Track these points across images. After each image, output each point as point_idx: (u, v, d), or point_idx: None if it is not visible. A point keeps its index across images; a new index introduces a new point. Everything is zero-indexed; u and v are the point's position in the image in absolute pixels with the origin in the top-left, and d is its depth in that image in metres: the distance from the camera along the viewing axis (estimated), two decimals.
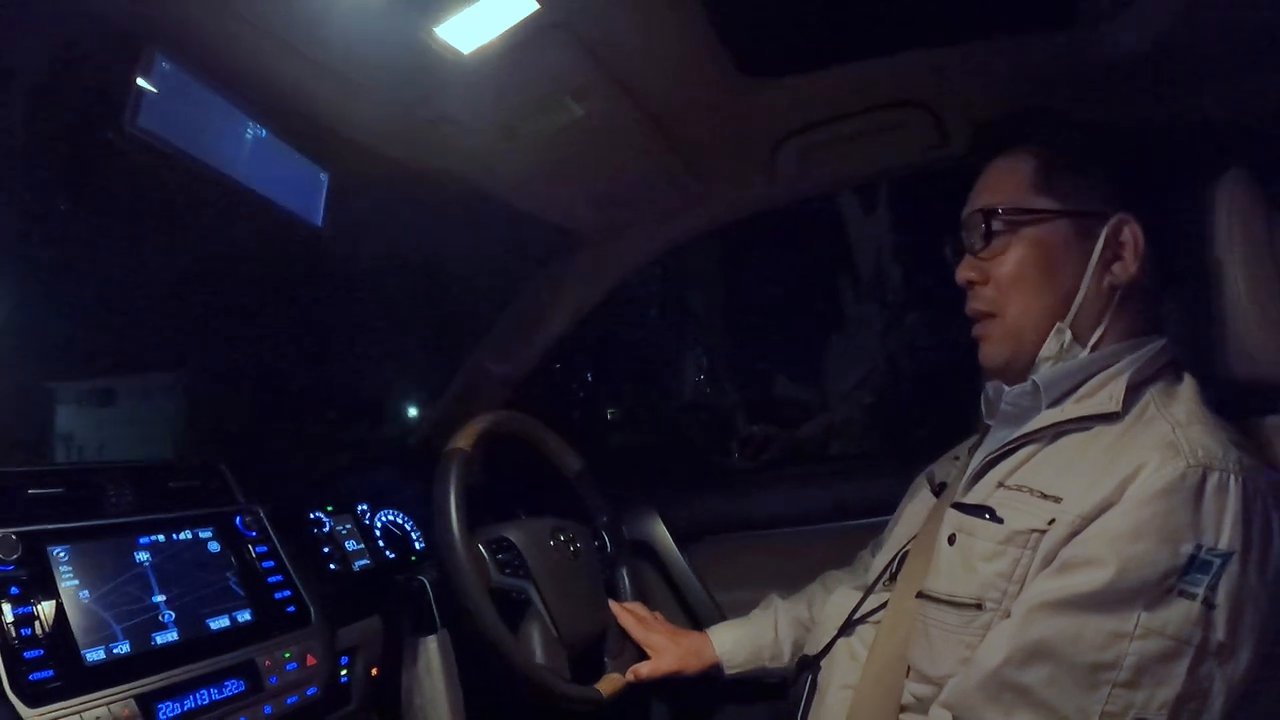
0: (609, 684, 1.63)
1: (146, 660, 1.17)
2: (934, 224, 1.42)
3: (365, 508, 1.83)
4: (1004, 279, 1.27)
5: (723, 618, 1.96)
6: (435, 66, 1.24)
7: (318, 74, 1.24)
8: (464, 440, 1.57)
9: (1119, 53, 1.38)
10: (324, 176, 1.43)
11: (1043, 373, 1.24)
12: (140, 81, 1.09)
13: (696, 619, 2.05)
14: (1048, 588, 1.07)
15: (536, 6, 1.15)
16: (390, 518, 1.88)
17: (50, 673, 1.07)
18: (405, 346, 1.99)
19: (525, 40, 1.22)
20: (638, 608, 1.81)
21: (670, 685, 1.73)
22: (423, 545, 1.89)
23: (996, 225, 1.28)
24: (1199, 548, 1.00)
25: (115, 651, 1.15)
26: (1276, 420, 1.22)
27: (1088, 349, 1.23)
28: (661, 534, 2.13)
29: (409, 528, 1.90)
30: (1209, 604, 0.99)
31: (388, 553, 1.80)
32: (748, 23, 1.40)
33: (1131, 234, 1.21)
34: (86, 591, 1.17)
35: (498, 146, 1.53)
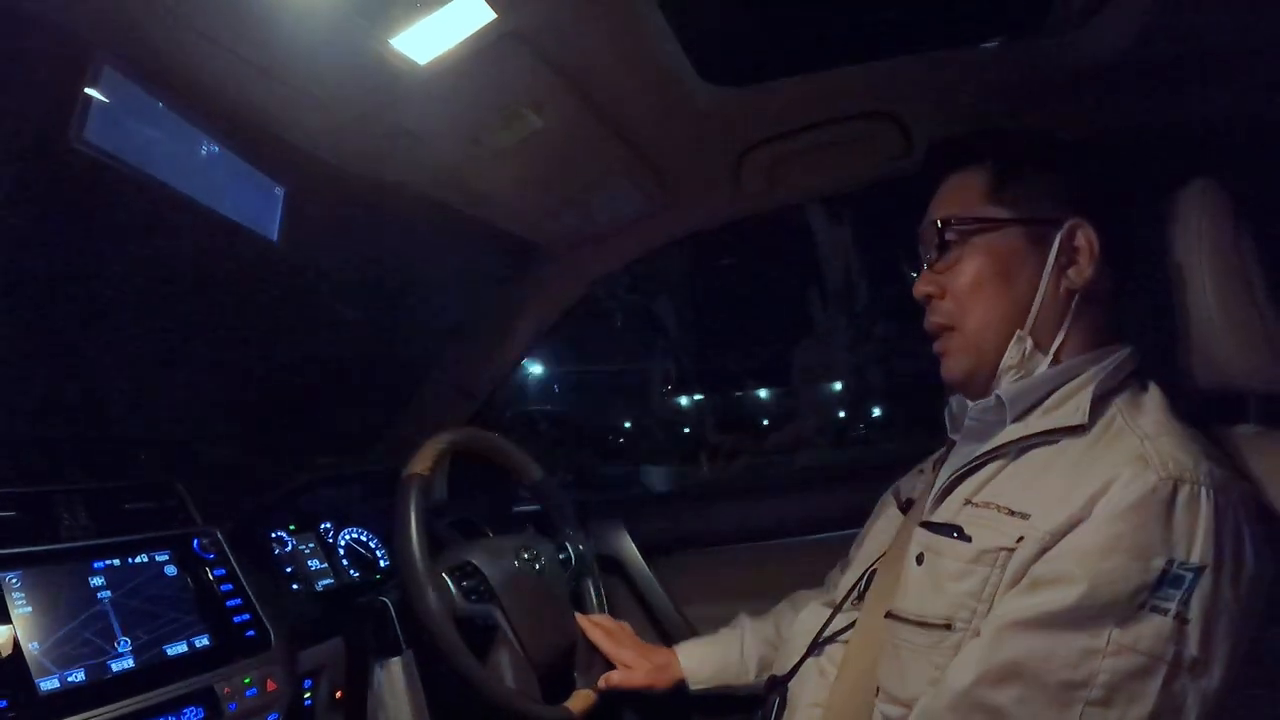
0: (580, 700, 1.62)
1: (102, 689, 1.14)
2: (904, 235, 1.42)
3: (329, 526, 1.80)
4: (961, 290, 1.27)
5: (692, 632, 1.95)
6: (392, 78, 1.22)
7: (271, 87, 1.22)
8: (421, 464, 1.54)
9: (1087, 61, 1.38)
10: (280, 191, 1.40)
11: (1007, 387, 1.24)
12: (88, 93, 1.06)
13: (665, 634, 2.04)
14: (1018, 606, 1.06)
15: (493, 16, 1.14)
16: (354, 536, 1.85)
17: (3, 703, 1.04)
18: (367, 360, 1.97)
19: (482, 50, 1.20)
20: (605, 620, 1.79)
21: (639, 699, 1.72)
22: (387, 563, 1.87)
23: (950, 235, 1.28)
24: (1171, 562, 0.99)
25: (70, 680, 1.11)
26: (1245, 430, 1.22)
27: (1049, 356, 1.23)
28: (629, 548, 2.11)
29: (373, 545, 1.87)
30: (1182, 619, 0.98)
31: (352, 571, 1.77)
32: (712, 31, 1.39)
33: (1086, 238, 1.21)
34: (40, 618, 1.13)
35: (458, 158, 1.51)
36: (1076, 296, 1.22)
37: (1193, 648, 0.98)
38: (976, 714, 1.06)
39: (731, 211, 1.96)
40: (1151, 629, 0.98)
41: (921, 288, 1.32)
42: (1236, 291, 1.18)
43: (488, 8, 1.12)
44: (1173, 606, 0.98)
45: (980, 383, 1.29)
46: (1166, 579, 0.99)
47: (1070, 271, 1.22)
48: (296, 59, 1.17)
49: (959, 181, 1.32)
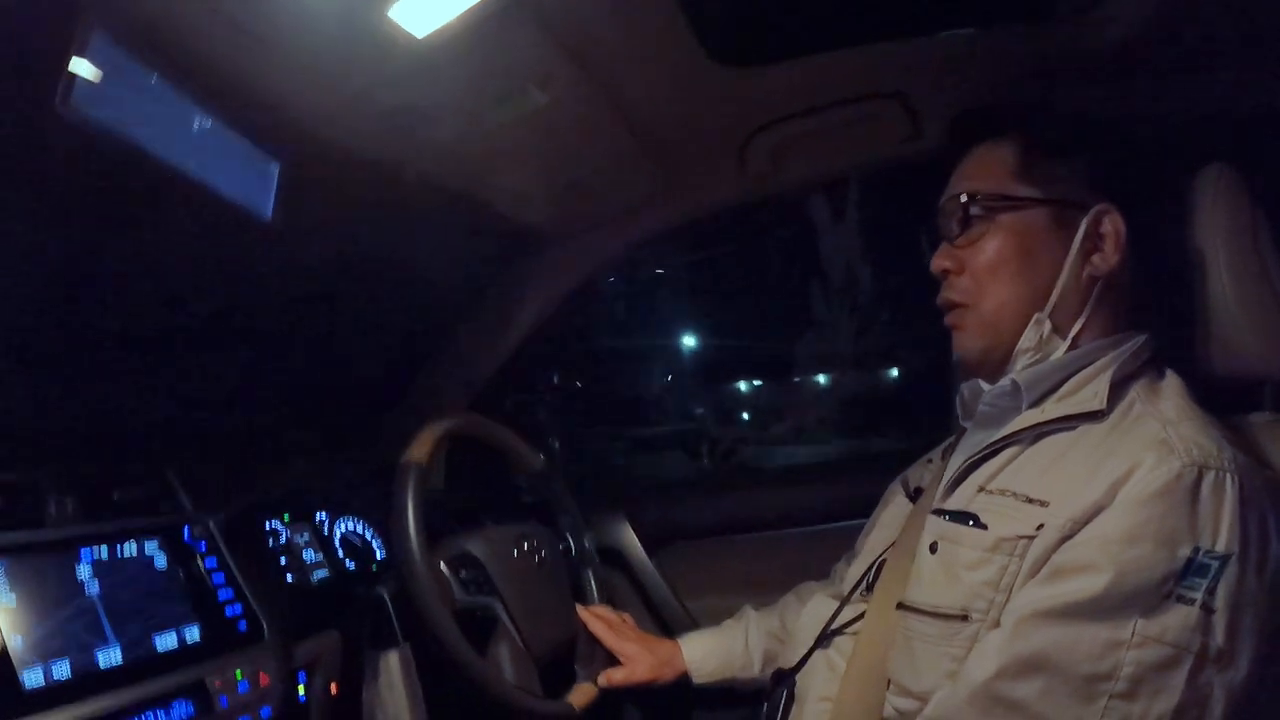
0: (581, 694, 1.60)
1: (89, 683, 1.11)
2: (906, 226, 1.40)
3: (324, 516, 1.77)
4: (980, 268, 1.25)
5: (694, 625, 1.94)
6: (389, 51, 1.19)
7: (266, 57, 1.18)
8: (419, 451, 1.51)
9: (1098, 44, 1.38)
10: (274, 167, 1.36)
11: (1022, 372, 1.22)
12: (75, 59, 1.02)
13: (666, 626, 2.03)
14: (1039, 596, 1.04)
15: None
16: (350, 526, 1.81)
17: None
18: (364, 348, 1.94)
19: (484, 23, 1.17)
20: (606, 611, 1.78)
21: (641, 692, 1.70)
22: (384, 555, 1.84)
23: (975, 211, 1.26)
24: (1197, 550, 0.97)
25: (55, 674, 1.08)
26: (1261, 417, 1.21)
27: (1067, 341, 1.21)
28: (631, 540, 2.11)
29: (370, 536, 1.84)
30: (1208, 609, 0.96)
31: (348, 563, 1.74)
32: (720, 9, 1.37)
33: (1113, 225, 1.20)
34: (24, 610, 1.10)
35: (459, 136, 1.48)
36: (1099, 284, 1.21)
37: (1219, 638, 0.96)
38: (997, 708, 1.03)
39: (737, 196, 1.94)
40: (1178, 619, 0.96)
41: (940, 262, 1.30)
42: (1252, 277, 1.17)
43: None
44: (1199, 596, 0.96)
45: (994, 362, 1.27)
46: (1192, 567, 0.97)
47: (1095, 258, 1.20)
48: (291, 29, 1.13)
49: (986, 155, 1.29)
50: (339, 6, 1.10)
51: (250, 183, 1.34)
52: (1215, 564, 0.96)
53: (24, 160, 1.09)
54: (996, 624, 1.09)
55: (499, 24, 1.19)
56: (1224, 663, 0.96)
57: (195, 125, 1.22)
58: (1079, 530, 1.04)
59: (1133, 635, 0.97)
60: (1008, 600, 1.09)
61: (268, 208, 1.36)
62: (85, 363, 1.42)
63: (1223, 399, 1.21)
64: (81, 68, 1.02)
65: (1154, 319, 1.26)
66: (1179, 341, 1.24)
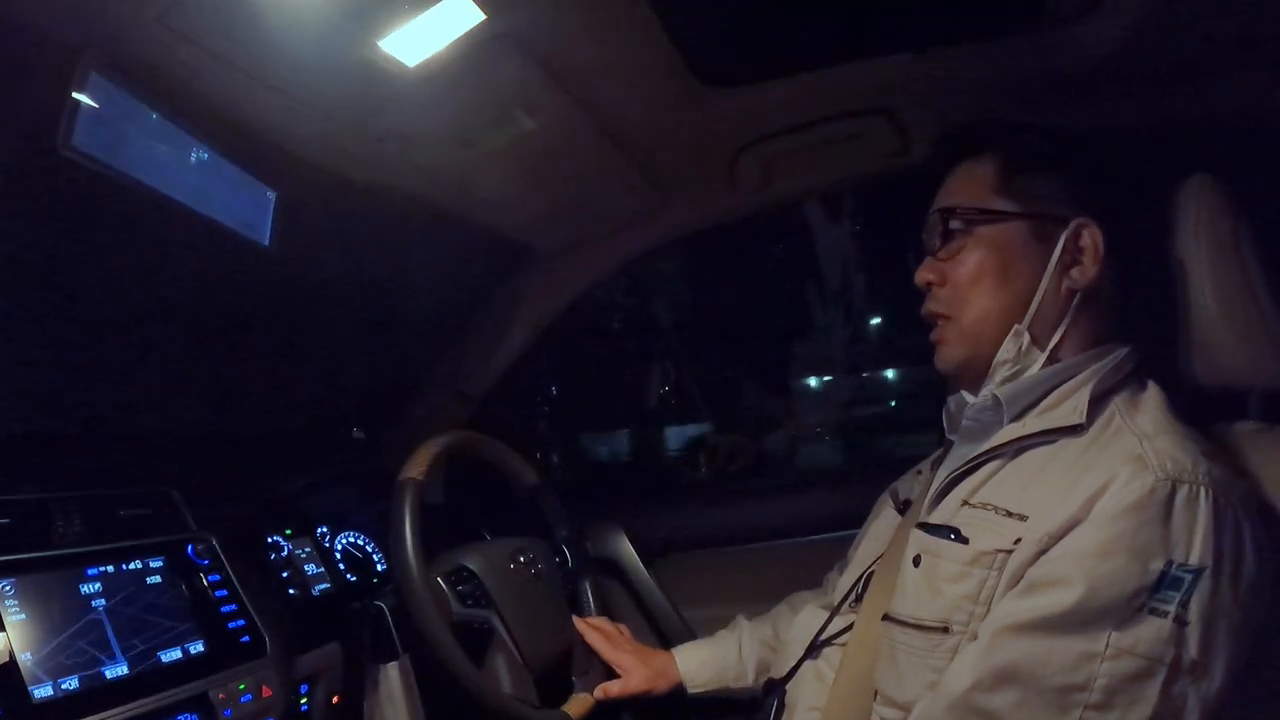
0: (578, 705, 1.61)
1: (96, 696, 1.13)
2: (903, 233, 1.41)
3: (325, 530, 1.79)
4: (961, 280, 1.27)
5: (691, 635, 1.94)
6: (381, 80, 1.21)
7: (260, 91, 1.21)
8: (416, 469, 1.53)
9: (1083, 57, 1.38)
10: (271, 195, 1.39)
11: (1002, 386, 1.23)
12: (76, 98, 1.05)
13: (663, 636, 2.03)
14: (1015, 609, 1.05)
15: (482, 17, 1.13)
16: (351, 540, 1.84)
17: None
18: (363, 365, 1.97)
19: (472, 52, 1.20)
20: (603, 623, 1.79)
21: (638, 703, 1.71)
22: (385, 567, 1.86)
23: (955, 225, 1.28)
24: (1170, 564, 0.98)
25: (64, 687, 1.11)
26: (1245, 427, 1.21)
27: (1045, 353, 1.22)
28: (627, 551, 2.11)
29: (370, 549, 1.86)
30: (1181, 621, 0.97)
31: (349, 576, 1.76)
32: (705, 32, 1.38)
33: (1091, 239, 1.21)
34: (33, 626, 1.12)
35: (450, 160, 1.51)
36: (1078, 296, 1.22)
37: (1192, 650, 0.97)
38: (974, 718, 1.05)
39: (727, 212, 1.96)
40: (1150, 631, 0.97)
41: (923, 275, 1.32)
42: (1235, 287, 1.17)
43: (477, 9, 1.12)
44: (1172, 609, 0.97)
45: (974, 373, 1.28)
46: (1165, 580, 0.98)
47: (1073, 271, 1.22)
48: (285, 63, 1.16)
49: (968, 171, 1.31)
50: (332, 39, 1.13)
51: (249, 211, 1.37)
52: (1189, 577, 0.97)
53: (29, 196, 1.12)
54: (976, 636, 1.10)
55: (486, 53, 1.21)
56: (1198, 674, 0.97)
57: (194, 159, 1.25)
58: (1054, 544, 1.04)
59: (1106, 647, 0.98)
60: (987, 613, 1.10)
61: (266, 234, 1.39)
62: (91, 386, 1.44)
63: (1209, 409, 1.22)
64: (82, 107, 1.06)
65: (1139, 330, 1.27)
66: (1165, 352, 1.25)
